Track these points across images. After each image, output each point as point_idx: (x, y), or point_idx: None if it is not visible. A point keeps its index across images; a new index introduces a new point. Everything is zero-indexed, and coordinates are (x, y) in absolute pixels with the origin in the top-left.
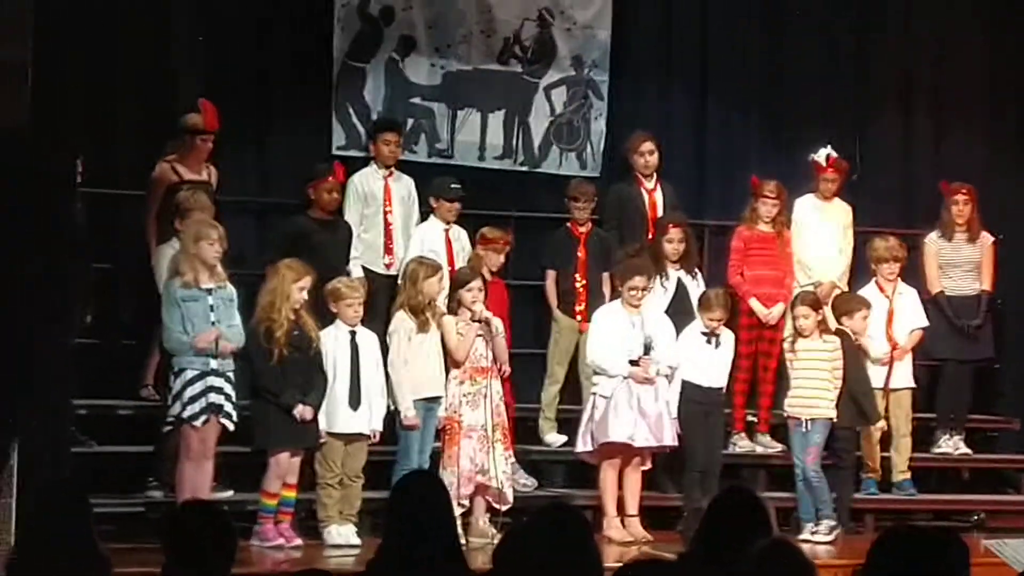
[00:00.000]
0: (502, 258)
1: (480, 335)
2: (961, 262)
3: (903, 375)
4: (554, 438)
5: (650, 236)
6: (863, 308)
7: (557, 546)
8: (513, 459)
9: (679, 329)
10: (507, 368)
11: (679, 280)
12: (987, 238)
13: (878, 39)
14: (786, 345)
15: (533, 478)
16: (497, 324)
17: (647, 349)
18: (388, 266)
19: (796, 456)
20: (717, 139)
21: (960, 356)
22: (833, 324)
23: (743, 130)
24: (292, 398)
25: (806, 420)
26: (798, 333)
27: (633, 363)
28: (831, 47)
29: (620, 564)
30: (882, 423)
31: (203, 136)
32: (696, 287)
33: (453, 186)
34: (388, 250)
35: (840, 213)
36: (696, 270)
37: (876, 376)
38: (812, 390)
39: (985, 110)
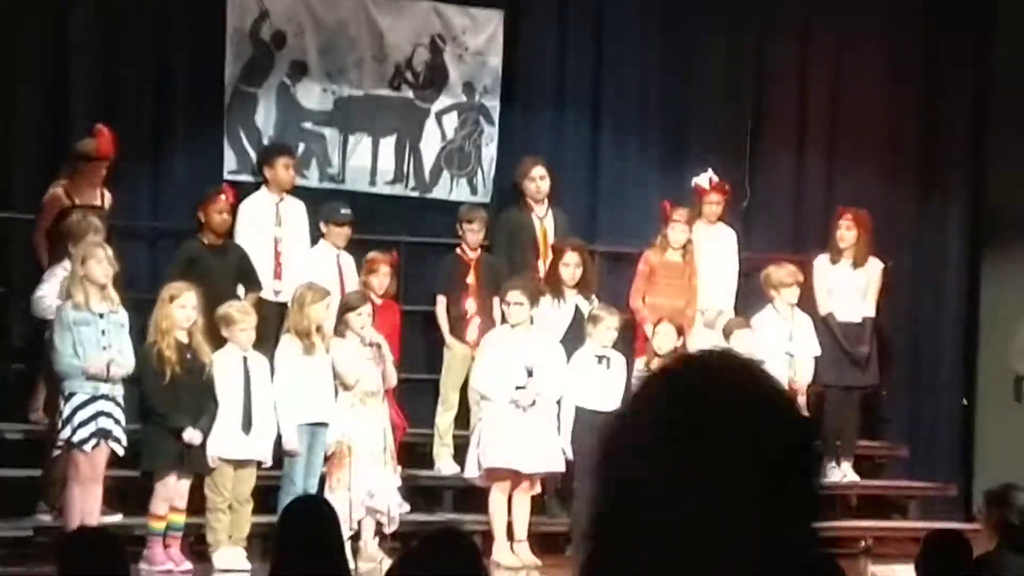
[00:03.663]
0: (388, 280)
1: (371, 359)
2: (847, 287)
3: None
4: (448, 466)
5: (540, 262)
6: (741, 328)
7: (447, 571)
8: (399, 483)
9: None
10: (393, 381)
11: (576, 306)
12: (876, 264)
13: (774, 66)
14: (639, 366)
15: (407, 502)
16: (386, 347)
17: (529, 373)
18: (277, 292)
19: None
20: (609, 165)
21: (845, 382)
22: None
23: (636, 156)
24: (182, 421)
25: None
26: (655, 354)
27: (520, 388)
28: (726, 72)
29: None
30: None
31: (97, 162)
32: None
33: (343, 211)
34: (277, 275)
35: (725, 238)
36: (593, 295)
37: None
38: None
39: (882, 138)
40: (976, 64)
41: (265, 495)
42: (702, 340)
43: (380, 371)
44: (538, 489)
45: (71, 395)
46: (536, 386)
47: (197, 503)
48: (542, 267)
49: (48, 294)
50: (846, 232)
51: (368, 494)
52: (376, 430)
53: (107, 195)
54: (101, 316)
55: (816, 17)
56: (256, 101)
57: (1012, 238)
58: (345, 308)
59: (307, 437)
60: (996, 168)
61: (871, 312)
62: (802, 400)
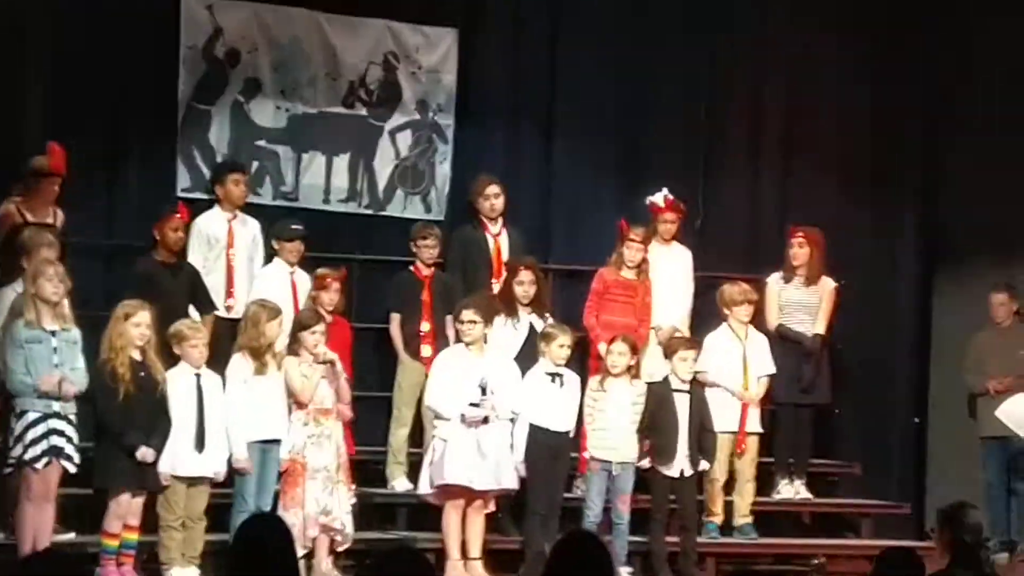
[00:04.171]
0: (336, 296)
1: (324, 377)
2: (798, 305)
3: (751, 420)
4: (402, 484)
5: (493, 280)
6: (686, 349)
7: None
8: (354, 500)
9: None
10: (348, 413)
11: (530, 324)
12: (828, 283)
13: (728, 85)
14: (593, 385)
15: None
16: (339, 364)
17: (483, 391)
18: (229, 308)
19: (595, 500)
20: (564, 183)
21: (797, 400)
22: (645, 369)
23: (590, 174)
24: (135, 439)
25: (617, 464)
26: (607, 372)
27: (474, 405)
28: (682, 92)
29: None
30: (704, 465)
31: (49, 179)
32: None
33: (293, 227)
34: (229, 293)
35: (680, 257)
36: (547, 313)
37: (731, 421)
38: (620, 432)
39: (835, 157)
40: (927, 83)
41: (218, 513)
42: (656, 359)
43: (334, 389)
44: (492, 507)
45: (23, 413)
46: (490, 404)
47: (150, 521)
48: (496, 285)
49: None
50: (799, 250)
51: (323, 512)
52: (330, 448)
53: (59, 213)
54: (53, 334)
55: (771, 37)
56: (210, 118)
57: (964, 256)
58: (299, 326)
59: (259, 454)
60: (948, 187)
61: (821, 330)
62: (756, 415)
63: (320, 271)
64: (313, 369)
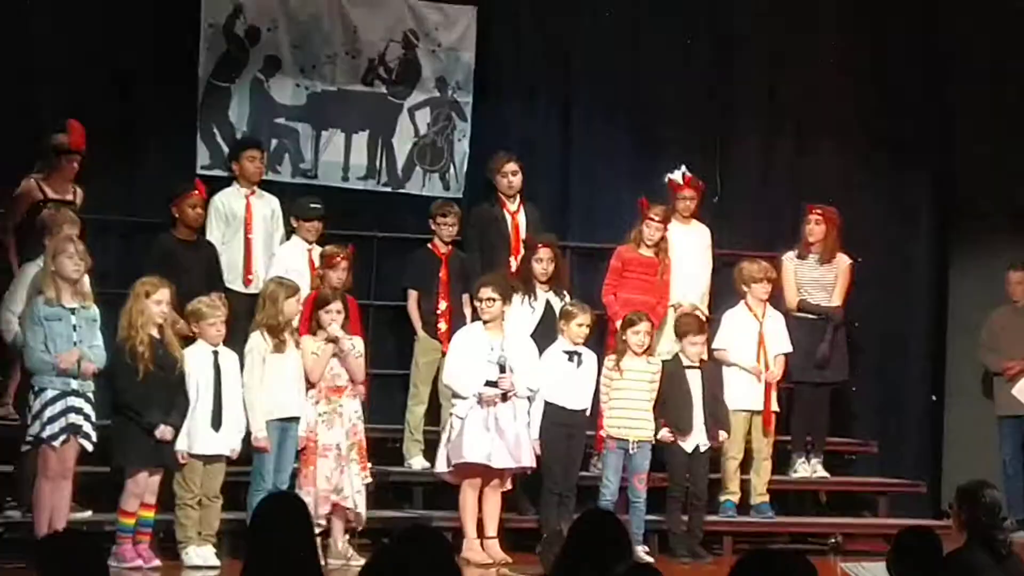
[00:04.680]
0: (344, 274)
1: (336, 355)
2: (814, 282)
3: (767, 398)
4: (418, 462)
5: (511, 257)
6: (696, 334)
7: (419, 568)
8: (369, 479)
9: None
10: (362, 389)
11: (547, 301)
12: (843, 260)
13: (744, 62)
14: (609, 364)
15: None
16: (354, 343)
17: (501, 369)
18: (247, 283)
19: (611, 478)
20: (582, 161)
21: (815, 379)
22: (662, 347)
23: (608, 152)
24: (154, 418)
25: (633, 442)
26: (625, 350)
27: (491, 384)
28: (696, 70)
29: None
30: (723, 436)
31: (69, 156)
32: None
33: (312, 205)
34: (247, 269)
35: (699, 235)
36: (565, 291)
37: (747, 399)
38: (636, 411)
39: (851, 134)
40: (943, 56)
41: (235, 491)
42: (672, 337)
43: (345, 367)
44: (509, 485)
45: (41, 390)
46: (508, 382)
47: (167, 499)
48: (513, 263)
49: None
50: (815, 227)
51: (334, 490)
52: (341, 426)
53: (79, 190)
54: (73, 311)
55: (785, 15)
56: (229, 96)
57: (980, 233)
58: (317, 304)
59: (277, 433)
60: (965, 165)
61: (837, 302)
62: (773, 394)
63: (327, 249)
64: (324, 347)
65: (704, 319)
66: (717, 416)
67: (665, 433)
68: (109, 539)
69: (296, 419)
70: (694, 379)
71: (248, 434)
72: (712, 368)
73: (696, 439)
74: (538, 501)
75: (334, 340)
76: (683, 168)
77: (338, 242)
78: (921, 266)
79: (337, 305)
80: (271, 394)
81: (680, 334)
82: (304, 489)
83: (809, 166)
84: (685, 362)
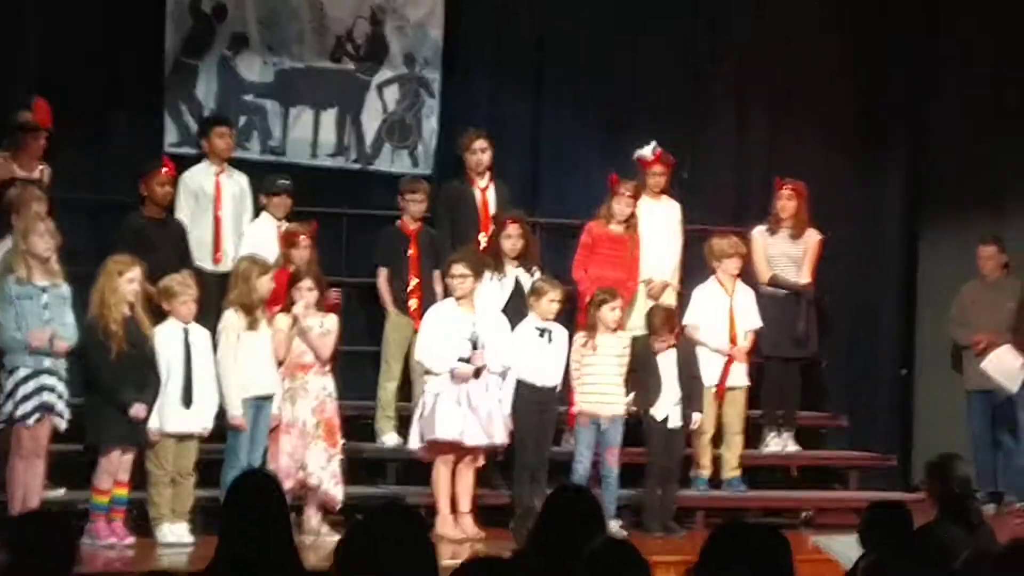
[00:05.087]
0: (305, 252)
1: (299, 334)
2: (784, 257)
3: (737, 373)
4: (391, 439)
5: (482, 234)
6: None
7: (394, 543)
8: (340, 456)
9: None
10: (324, 353)
11: (516, 278)
12: (813, 235)
13: (717, 38)
14: (580, 340)
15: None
16: (324, 321)
17: (474, 346)
18: (217, 261)
19: (583, 453)
20: (551, 136)
21: (785, 354)
22: (632, 322)
23: (577, 128)
24: (128, 396)
25: (605, 418)
26: (597, 326)
27: (464, 360)
28: (669, 45)
29: (454, 561)
30: (697, 417)
31: (35, 133)
32: None
33: (280, 181)
34: (217, 246)
35: (669, 210)
36: (535, 268)
37: (712, 374)
38: (608, 386)
39: (821, 109)
40: (915, 36)
41: (208, 469)
42: (642, 313)
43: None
44: (482, 462)
45: (13, 370)
46: (480, 358)
47: (140, 477)
48: (483, 239)
49: None
50: (787, 203)
51: (300, 467)
52: (306, 402)
53: (46, 169)
54: (44, 290)
55: None
56: (197, 73)
57: (949, 208)
58: (291, 282)
59: (251, 411)
60: (935, 138)
61: (806, 279)
62: (743, 369)
63: (289, 227)
64: (288, 325)
65: (673, 310)
66: (692, 396)
67: (630, 405)
68: (83, 517)
69: (270, 397)
70: (667, 360)
71: (222, 412)
72: (686, 346)
73: (666, 410)
74: (511, 477)
75: (294, 317)
76: (653, 143)
77: (307, 219)
78: (891, 240)
79: (308, 283)
80: (245, 372)
81: (650, 329)
82: (272, 465)
83: (779, 141)
84: (656, 347)
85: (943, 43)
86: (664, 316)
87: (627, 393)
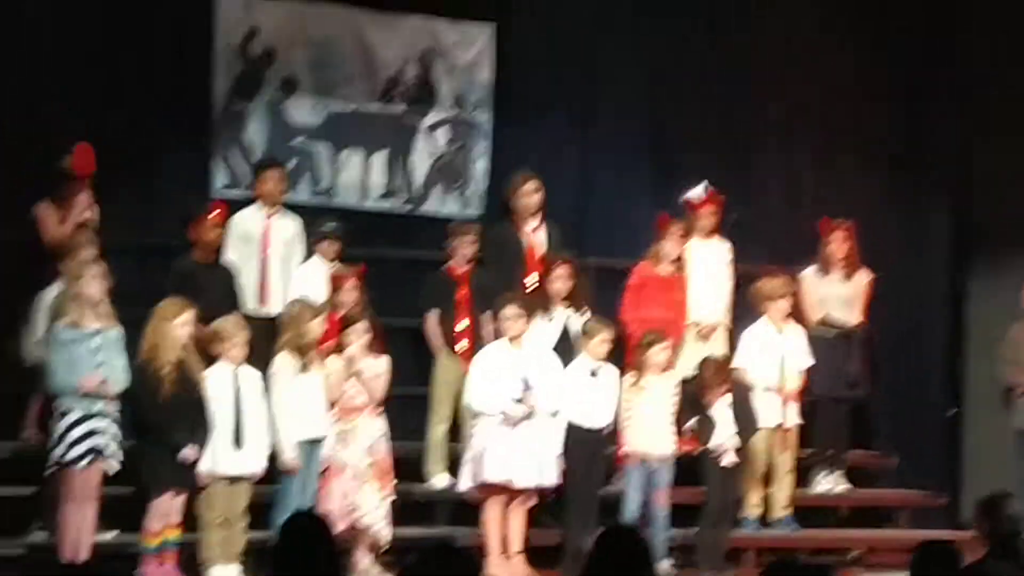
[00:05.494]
0: (352, 296)
1: (354, 375)
2: (837, 299)
3: (789, 413)
4: (441, 480)
5: (529, 276)
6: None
7: None
8: (392, 497)
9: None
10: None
11: (565, 320)
12: (865, 275)
13: (764, 78)
14: (629, 381)
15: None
16: (370, 364)
17: (526, 387)
18: (263, 304)
19: (633, 494)
20: (600, 178)
21: (837, 394)
22: (680, 363)
23: (627, 169)
24: (179, 439)
25: (654, 459)
26: (645, 367)
27: (516, 401)
28: (716, 87)
29: None
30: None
31: (79, 179)
32: None
33: (328, 224)
34: (265, 290)
35: (719, 251)
36: (584, 309)
37: (767, 414)
38: (656, 427)
39: (868, 149)
40: (960, 71)
41: (259, 511)
42: (694, 354)
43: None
44: (533, 501)
45: (65, 413)
46: (532, 399)
47: (190, 520)
48: (530, 282)
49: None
50: (841, 244)
51: (352, 508)
52: (357, 445)
53: (93, 212)
54: (95, 334)
55: (803, 31)
56: (246, 117)
57: (998, 246)
58: (344, 325)
59: (303, 453)
60: (982, 177)
61: (860, 318)
62: (795, 408)
63: (335, 271)
64: (338, 368)
65: (725, 362)
66: (747, 435)
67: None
68: (134, 560)
69: (321, 440)
70: (722, 403)
71: (274, 454)
72: (739, 389)
73: (726, 455)
74: (562, 517)
75: (348, 360)
76: (704, 183)
77: (357, 262)
78: (939, 278)
79: (363, 325)
80: (298, 415)
81: (702, 382)
82: (322, 508)
83: (827, 181)
84: (707, 400)
85: (991, 80)
86: (715, 368)
87: (683, 425)
